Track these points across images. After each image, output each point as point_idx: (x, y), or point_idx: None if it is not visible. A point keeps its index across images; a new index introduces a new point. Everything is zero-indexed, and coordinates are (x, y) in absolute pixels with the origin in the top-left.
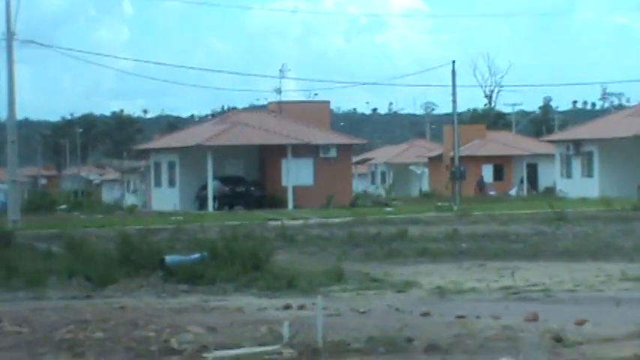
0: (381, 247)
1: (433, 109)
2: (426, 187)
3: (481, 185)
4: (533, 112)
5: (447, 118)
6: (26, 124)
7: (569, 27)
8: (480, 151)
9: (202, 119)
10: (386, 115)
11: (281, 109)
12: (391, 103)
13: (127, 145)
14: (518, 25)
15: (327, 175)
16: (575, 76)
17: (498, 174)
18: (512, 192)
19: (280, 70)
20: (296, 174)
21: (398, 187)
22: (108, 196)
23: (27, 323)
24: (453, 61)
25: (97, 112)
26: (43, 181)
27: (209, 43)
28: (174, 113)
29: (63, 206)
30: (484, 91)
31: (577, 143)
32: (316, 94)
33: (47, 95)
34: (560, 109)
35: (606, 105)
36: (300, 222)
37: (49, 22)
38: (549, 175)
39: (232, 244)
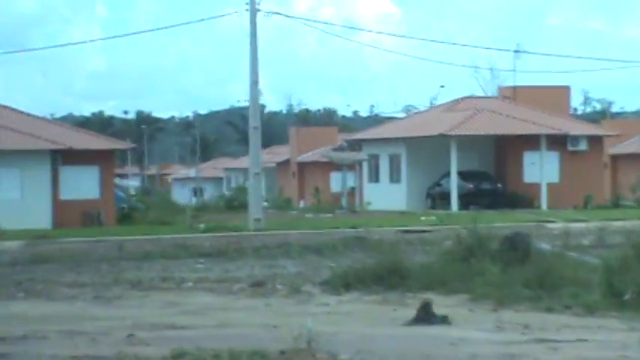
0: None
1: (414, 112)
2: None
3: None
4: None
5: None
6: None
7: (542, 30)
8: None
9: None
10: (368, 117)
11: (516, 94)
12: (372, 106)
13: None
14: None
15: (576, 170)
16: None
17: None
18: None
19: (516, 51)
20: (541, 169)
21: None
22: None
23: None
24: None
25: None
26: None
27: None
28: (153, 114)
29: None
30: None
31: None
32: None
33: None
34: None
35: (588, 109)
36: (583, 225)
37: None
38: None
39: None
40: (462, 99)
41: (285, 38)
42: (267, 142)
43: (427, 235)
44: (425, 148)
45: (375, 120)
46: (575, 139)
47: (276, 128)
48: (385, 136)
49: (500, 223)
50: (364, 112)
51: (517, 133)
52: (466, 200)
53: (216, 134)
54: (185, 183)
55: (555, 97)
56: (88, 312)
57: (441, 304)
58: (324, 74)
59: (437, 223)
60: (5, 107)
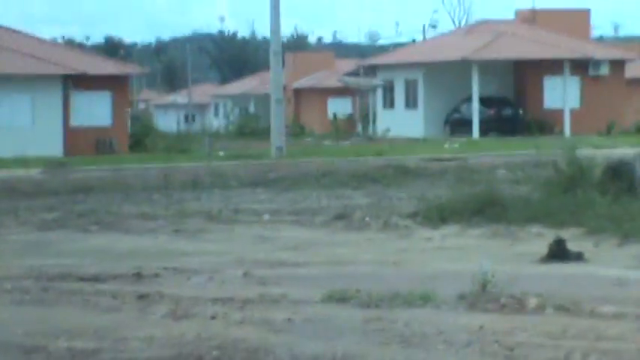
0: None
1: (377, 39)
2: None
3: None
4: None
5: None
6: None
7: None
8: None
9: (146, 47)
10: (331, 44)
11: (535, 17)
12: (335, 32)
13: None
14: None
15: (598, 95)
16: None
17: None
18: None
19: None
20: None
21: None
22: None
23: None
24: None
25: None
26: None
27: None
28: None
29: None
30: (453, 22)
31: None
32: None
33: None
34: None
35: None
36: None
37: None
38: None
39: None
40: (478, 22)
41: None
42: (242, 69)
43: (466, 164)
44: (443, 74)
45: (340, 46)
46: (597, 63)
47: (248, 55)
48: (401, 61)
49: (527, 150)
50: (328, 39)
51: (541, 58)
52: (486, 127)
53: (182, 60)
54: (167, 109)
55: (575, 20)
56: (179, 247)
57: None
58: None
59: (460, 151)
60: (13, 30)
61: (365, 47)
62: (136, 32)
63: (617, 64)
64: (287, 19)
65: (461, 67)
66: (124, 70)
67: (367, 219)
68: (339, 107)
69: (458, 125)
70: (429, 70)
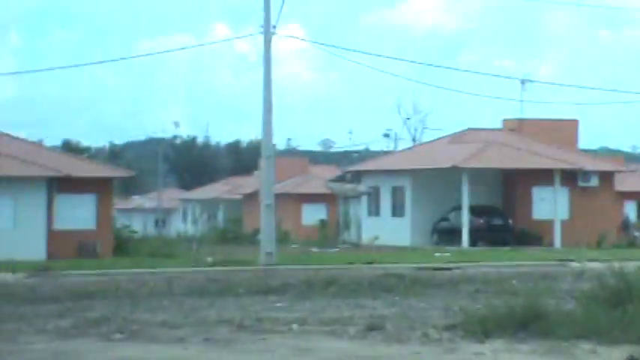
0: None
1: (331, 146)
2: None
3: (626, 225)
4: None
5: (343, 156)
6: None
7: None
8: (621, 185)
9: (100, 150)
10: (284, 151)
11: (522, 127)
12: (289, 139)
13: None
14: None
15: (587, 207)
16: None
17: None
18: None
19: (522, 81)
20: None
21: None
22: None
23: None
24: None
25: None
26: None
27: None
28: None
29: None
30: (409, 131)
31: None
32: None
33: None
34: None
35: None
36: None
37: None
38: None
39: None
40: (467, 131)
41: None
42: (202, 174)
43: (468, 274)
44: (431, 181)
45: (293, 153)
46: (587, 174)
47: (207, 160)
48: (388, 168)
49: (522, 261)
50: (280, 145)
51: (531, 167)
52: (476, 236)
53: (139, 165)
54: (130, 213)
55: (563, 130)
56: (217, 358)
57: (611, 357)
58: (236, 105)
59: (452, 260)
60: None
61: (318, 154)
62: (88, 136)
63: (607, 176)
64: (242, 126)
65: (449, 175)
66: (110, 172)
67: (405, 331)
68: (314, 213)
69: (446, 234)
70: (417, 177)
